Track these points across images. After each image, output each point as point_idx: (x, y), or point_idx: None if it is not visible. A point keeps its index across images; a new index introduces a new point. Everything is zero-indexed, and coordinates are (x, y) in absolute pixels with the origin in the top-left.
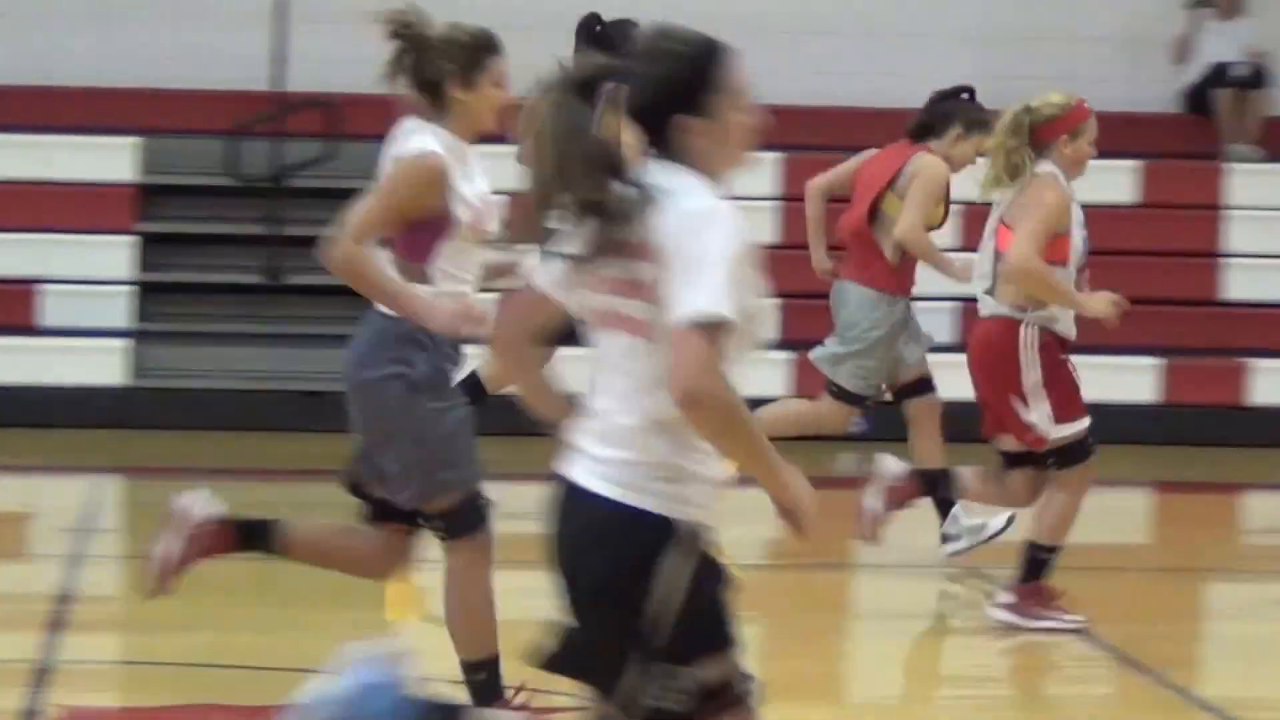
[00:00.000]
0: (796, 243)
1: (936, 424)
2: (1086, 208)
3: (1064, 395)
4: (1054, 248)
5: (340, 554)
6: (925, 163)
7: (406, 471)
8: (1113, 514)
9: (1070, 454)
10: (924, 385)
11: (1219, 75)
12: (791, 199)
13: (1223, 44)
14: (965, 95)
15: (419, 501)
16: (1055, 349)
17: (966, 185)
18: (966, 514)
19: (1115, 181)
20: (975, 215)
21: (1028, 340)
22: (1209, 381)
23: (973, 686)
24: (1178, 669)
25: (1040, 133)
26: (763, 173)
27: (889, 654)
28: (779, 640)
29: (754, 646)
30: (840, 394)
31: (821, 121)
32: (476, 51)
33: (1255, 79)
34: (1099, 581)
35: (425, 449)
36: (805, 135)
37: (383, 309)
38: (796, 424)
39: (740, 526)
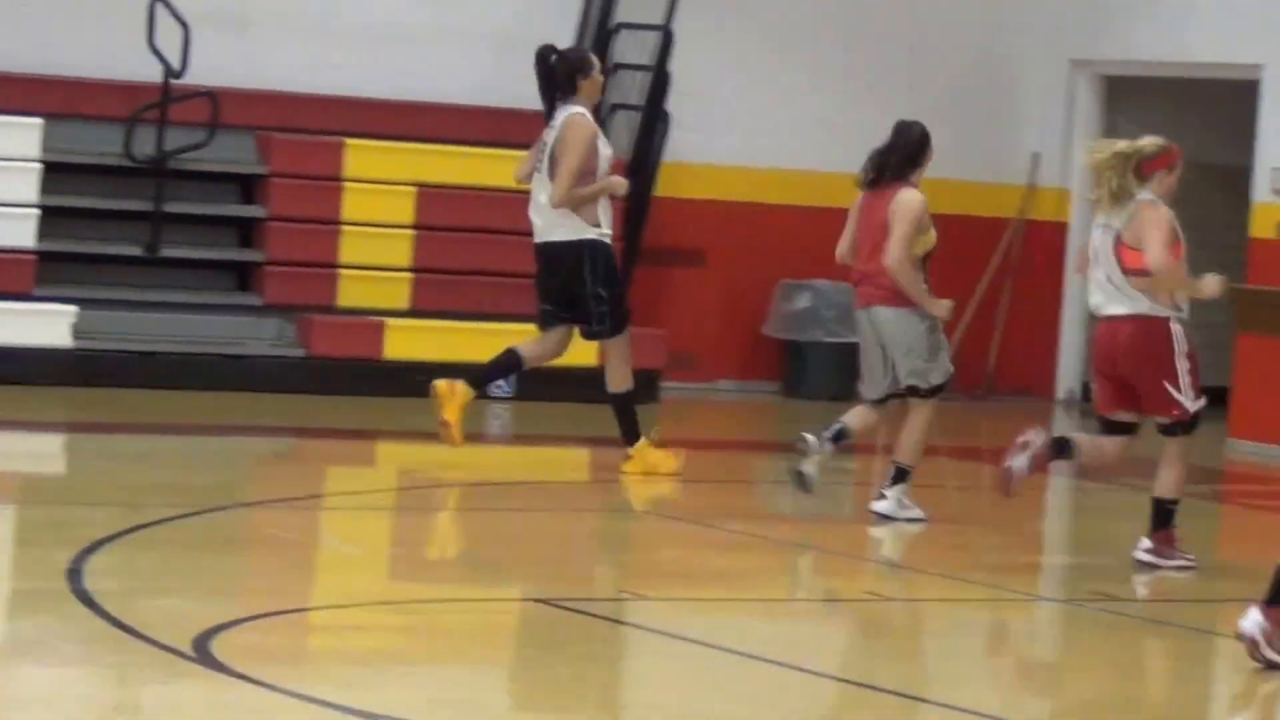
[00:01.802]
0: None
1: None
2: None
3: (1196, 375)
4: (1173, 251)
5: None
6: (903, 198)
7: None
8: None
9: (1194, 423)
10: None
11: None
12: None
13: None
14: (915, 128)
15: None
16: (1189, 339)
17: None
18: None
19: None
20: None
21: (1176, 334)
22: None
23: None
24: None
25: (1144, 167)
26: None
27: None
28: None
29: None
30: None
31: None
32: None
33: None
34: None
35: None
36: None
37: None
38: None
39: None
